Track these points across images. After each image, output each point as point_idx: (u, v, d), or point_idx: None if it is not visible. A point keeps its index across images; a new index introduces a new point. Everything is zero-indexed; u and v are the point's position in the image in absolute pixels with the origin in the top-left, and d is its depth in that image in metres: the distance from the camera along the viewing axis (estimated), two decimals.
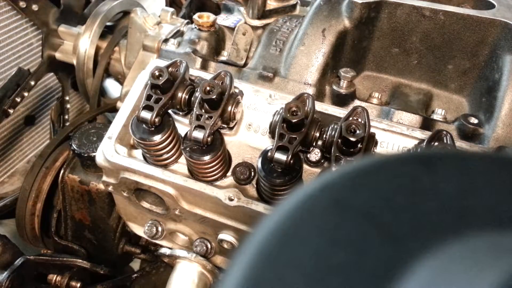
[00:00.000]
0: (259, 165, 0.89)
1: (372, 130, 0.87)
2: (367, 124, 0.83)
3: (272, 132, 0.89)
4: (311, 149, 0.93)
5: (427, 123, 1.01)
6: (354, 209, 0.31)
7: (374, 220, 0.31)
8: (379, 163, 0.35)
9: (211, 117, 0.89)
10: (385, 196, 0.32)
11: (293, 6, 1.28)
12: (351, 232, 0.30)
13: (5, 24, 1.46)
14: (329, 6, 1.09)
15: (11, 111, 1.52)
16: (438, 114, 1.04)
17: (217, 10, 1.69)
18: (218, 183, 0.97)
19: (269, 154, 0.85)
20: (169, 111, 0.96)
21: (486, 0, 1.11)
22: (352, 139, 0.81)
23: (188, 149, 0.92)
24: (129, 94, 1.05)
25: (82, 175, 1.24)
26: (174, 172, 0.97)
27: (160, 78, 0.89)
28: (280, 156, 0.84)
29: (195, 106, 0.90)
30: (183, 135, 0.95)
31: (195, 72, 1.06)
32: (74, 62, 1.60)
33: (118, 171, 1.01)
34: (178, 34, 1.43)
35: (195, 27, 1.19)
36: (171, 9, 1.52)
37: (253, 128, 1.00)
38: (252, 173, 0.97)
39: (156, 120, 0.90)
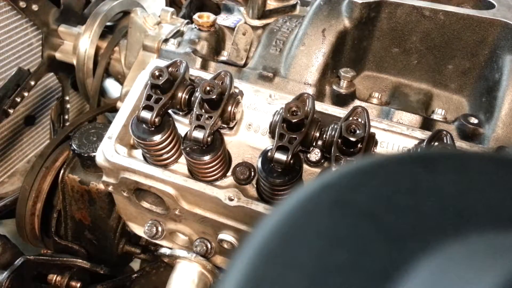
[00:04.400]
0: (259, 165, 0.89)
1: (372, 130, 0.87)
2: (367, 124, 0.83)
3: (272, 132, 0.89)
4: (311, 149, 0.93)
5: (427, 123, 1.01)
6: (354, 209, 0.31)
7: (374, 220, 0.31)
8: (379, 163, 0.35)
9: (211, 117, 0.89)
10: (385, 196, 0.32)
11: (293, 6, 1.28)
12: (351, 232, 0.30)
13: (5, 24, 1.46)
14: (329, 6, 1.09)
15: (11, 111, 1.52)
16: (438, 114, 1.04)
17: (217, 10, 1.69)
18: (218, 183, 0.97)
19: (269, 154, 0.85)
20: (169, 111, 0.96)
21: (486, 0, 1.11)
22: (352, 139, 0.81)
23: (188, 149, 0.92)
24: (129, 94, 1.06)
25: (82, 175, 1.24)
26: (174, 172, 0.97)
27: (160, 78, 0.89)
28: (280, 156, 0.84)
29: (195, 106, 0.90)
30: (183, 135, 0.95)
31: (195, 72, 1.06)
32: (74, 62, 1.60)
33: (118, 171, 1.01)
34: (178, 34, 1.43)
35: (195, 27, 1.19)
36: (171, 9, 1.52)
37: (253, 128, 1.00)
38: (252, 173, 0.97)
39: (156, 120, 0.90)
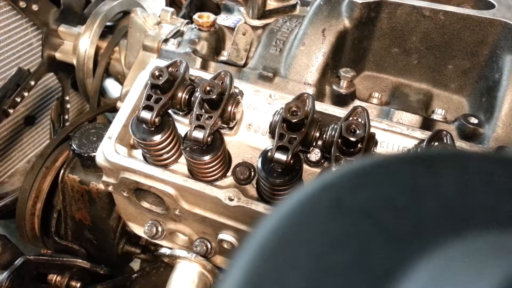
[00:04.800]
0: (259, 165, 0.89)
1: (372, 130, 0.87)
2: (367, 124, 0.83)
3: (272, 132, 0.89)
4: (311, 149, 0.93)
5: (427, 123, 1.01)
6: (354, 209, 0.31)
7: (374, 220, 0.31)
8: (379, 163, 0.35)
9: (211, 117, 0.89)
10: (385, 196, 0.32)
11: (293, 6, 1.28)
12: (351, 232, 0.30)
13: (5, 24, 1.46)
14: (329, 6, 1.09)
15: (11, 111, 1.52)
16: (438, 114, 1.04)
17: (217, 10, 1.69)
18: (218, 183, 0.97)
19: (269, 154, 0.85)
20: (169, 111, 0.96)
21: (486, 0, 1.11)
22: (352, 139, 0.81)
23: (188, 149, 0.92)
24: (129, 94, 1.06)
25: (82, 175, 1.24)
26: (174, 172, 0.97)
27: (160, 78, 0.89)
28: (280, 156, 0.84)
29: (195, 106, 0.90)
30: (183, 135, 0.95)
31: (195, 72, 1.06)
32: (74, 62, 1.60)
33: (118, 171, 1.01)
34: (178, 34, 1.43)
35: (195, 27, 1.19)
36: (171, 9, 1.52)
37: (253, 128, 1.00)
38: (252, 173, 0.97)
39: (156, 120, 0.90)
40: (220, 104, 0.89)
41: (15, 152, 1.71)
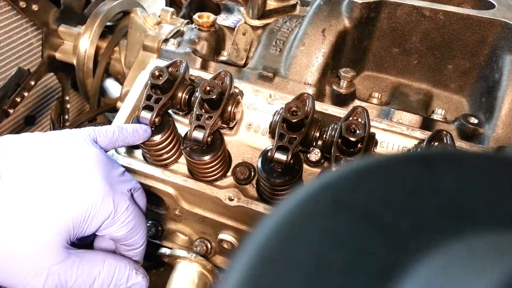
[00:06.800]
0: (259, 165, 0.89)
1: (372, 130, 0.87)
2: (367, 124, 0.83)
3: (272, 132, 0.89)
4: (311, 149, 0.93)
5: (427, 123, 1.01)
6: (353, 209, 0.31)
7: (374, 220, 0.31)
8: (379, 163, 0.35)
9: (211, 117, 0.89)
10: (385, 196, 0.32)
11: (293, 6, 1.28)
12: (351, 232, 0.30)
13: (5, 24, 1.46)
14: (329, 6, 1.09)
15: (11, 111, 1.52)
16: (438, 114, 1.04)
17: (217, 10, 1.68)
18: (218, 183, 0.97)
19: (269, 154, 0.85)
20: (169, 111, 0.96)
21: (486, 0, 1.11)
22: (352, 139, 0.81)
23: (188, 149, 0.92)
24: (129, 94, 1.06)
25: None
26: (174, 172, 0.97)
27: (160, 78, 0.89)
28: (280, 156, 0.84)
29: (195, 106, 0.90)
30: (183, 135, 0.95)
31: (195, 72, 1.06)
32: (74, 62, 1.60)
33: None
34: (178, 34, 1.43)
35: (195, 27, 1.19)
36: (171, 9, 1.52)
37: (253, 128, 1.00)
38: (252, 173, 0.97)
39: (156, 120, 0.90)
40: (220, 104, 0.89)
41: None
